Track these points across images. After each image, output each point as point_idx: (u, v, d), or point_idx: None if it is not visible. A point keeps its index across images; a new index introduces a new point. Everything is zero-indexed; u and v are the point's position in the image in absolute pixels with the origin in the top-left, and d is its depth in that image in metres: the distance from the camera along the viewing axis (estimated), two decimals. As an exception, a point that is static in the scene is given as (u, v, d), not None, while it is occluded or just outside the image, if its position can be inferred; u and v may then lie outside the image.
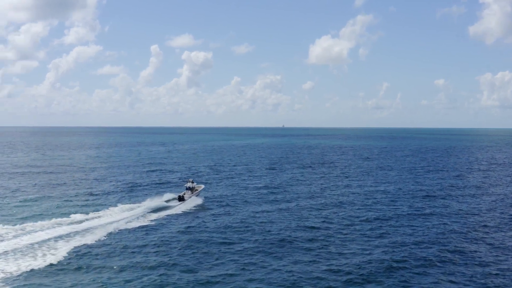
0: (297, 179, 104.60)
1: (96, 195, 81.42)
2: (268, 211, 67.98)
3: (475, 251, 48.38)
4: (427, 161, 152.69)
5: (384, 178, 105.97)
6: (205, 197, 78.15)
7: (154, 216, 63.76)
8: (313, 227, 57.96)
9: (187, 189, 76.70)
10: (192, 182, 78.87)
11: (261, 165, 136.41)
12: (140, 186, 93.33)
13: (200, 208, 70.40)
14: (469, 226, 59.06)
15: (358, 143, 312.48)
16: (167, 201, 72.44)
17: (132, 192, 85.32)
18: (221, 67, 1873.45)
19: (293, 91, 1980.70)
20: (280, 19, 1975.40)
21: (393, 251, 47.55)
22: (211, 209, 69.99)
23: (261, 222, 60.60)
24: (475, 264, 44.26)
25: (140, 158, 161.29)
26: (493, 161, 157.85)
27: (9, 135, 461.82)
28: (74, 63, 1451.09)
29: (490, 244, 51.32)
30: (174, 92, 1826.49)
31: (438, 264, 44.17)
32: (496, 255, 46.96)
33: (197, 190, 78.20)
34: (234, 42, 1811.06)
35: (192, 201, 73.17)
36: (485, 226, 59.61)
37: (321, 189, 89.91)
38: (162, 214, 65.14)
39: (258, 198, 79.65)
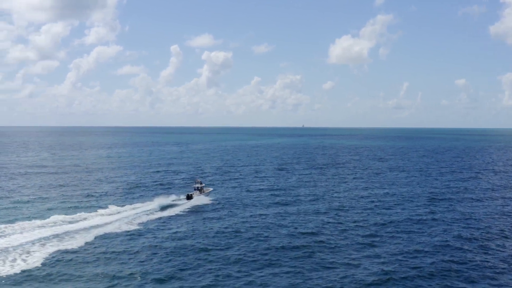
0: (303, 181, 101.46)
1: (92, 196, 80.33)
2: (264, 215, 65.37)
3: (478, 261, 44.65)
4: (441, 162, 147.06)
5: (393, 180, 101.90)
6: (211, 198, 77.98)
7: (147, 218, 62.78)
8: (305, 234, 54.70)
9: (195, 189, 79.83)
10: (201, 183, 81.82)
11: (271, 166, 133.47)
12: (145, 186, 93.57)
13: (201, 209, 69.67)
14: (474, 233, 55.03)
15: (374, 143, 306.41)
16: (175, 200, 74.77)
17: (134, 192, 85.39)
18: (240, 67, 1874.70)
19: (313, 91, 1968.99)
20: (300, 18, 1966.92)
21: (386, 263, 44.14)
22: (208, 211, 68.64)
23: (252, 227, 58.03)
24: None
25: (150, 158, 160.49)
26: (509, 162, 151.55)
27: (26, 135, 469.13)
28: (95, 63, 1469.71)
29: (491, 254, 47.54)
30: (194, 92, 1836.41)
31: (438, 276, 40.72)
32: (498, 266, 43.28)
33: (205, 191, 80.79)
34: (253, 41, 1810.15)
35: (199, 200, 75.01)
36: (489, 232, 55.68)
37: (325, 192, 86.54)
38: (158, 215, 64.73)
39: (259, 201, 77.44)
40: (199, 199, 75.72)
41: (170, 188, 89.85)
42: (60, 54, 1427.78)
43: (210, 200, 76.79)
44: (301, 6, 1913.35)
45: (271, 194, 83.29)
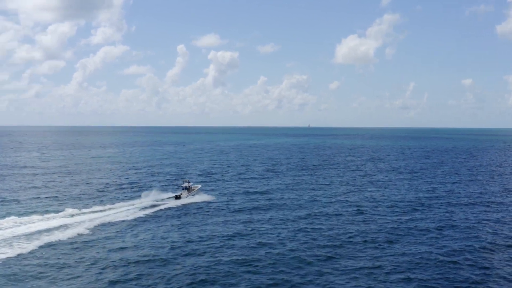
0: (290, 184, 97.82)
1: (74, 196, 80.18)
2: (240, 222, 61.91)
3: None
4: (439, 164, 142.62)
5: (383, 183, 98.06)
6: (199, 200, 77.68)
7: (133, 217, 63.37)
8: (274, 245, 50.72)
9: (183, 188, 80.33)
10: (188, 182, 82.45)
11: (259, 167, 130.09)
12: (134, 185, 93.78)
13: (183, 211, 68.89)
14: (462, 242, 51.63)
15: (375, 143, 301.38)
16: (163, 199, 75.64)
17: (123, 191, 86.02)
18: (247, 66, 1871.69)
19: (319, 91, 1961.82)
20: (306, 18, 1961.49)
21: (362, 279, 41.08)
22: (185, 215, 66.71)
23: (223, 236, 54.24)
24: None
25: (145, 157, 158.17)
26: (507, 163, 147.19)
27: (28, 134, 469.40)
28: (102, 63, 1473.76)
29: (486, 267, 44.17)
30: (201, 92, 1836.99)
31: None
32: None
33: (193, 189, 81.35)
34: (259, 41, 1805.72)
35: (187, 200, 75.88)
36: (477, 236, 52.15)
37: (310, 196, 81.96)
38: (145, 214, 65.50)
39: (242, 204, 74.11)
40: (187, 199, 76.48)
41: (160, 188, 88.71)
42: (67, 54, 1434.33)
43: (198, 200, 77.04)
44: (307, 5, 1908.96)
45: (255, 198, 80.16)
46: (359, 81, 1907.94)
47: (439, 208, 71.11)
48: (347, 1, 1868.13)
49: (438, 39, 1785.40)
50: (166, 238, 53.41)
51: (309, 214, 66.15)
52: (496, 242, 52.05)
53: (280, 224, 60.68)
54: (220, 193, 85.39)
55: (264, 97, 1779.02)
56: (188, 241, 51.96)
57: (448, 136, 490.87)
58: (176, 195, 77.17)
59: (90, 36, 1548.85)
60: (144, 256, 46.21)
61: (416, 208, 70.92)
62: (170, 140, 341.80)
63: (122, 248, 48.72)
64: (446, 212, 68.12)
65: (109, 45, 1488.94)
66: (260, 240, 52.36)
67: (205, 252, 47.93)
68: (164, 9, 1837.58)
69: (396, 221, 61.83)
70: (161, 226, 59.41)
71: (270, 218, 64.04)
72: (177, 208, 70.92)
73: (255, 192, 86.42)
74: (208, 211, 68.90)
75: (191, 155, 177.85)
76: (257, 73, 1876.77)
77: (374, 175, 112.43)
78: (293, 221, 62.08)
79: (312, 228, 57.70)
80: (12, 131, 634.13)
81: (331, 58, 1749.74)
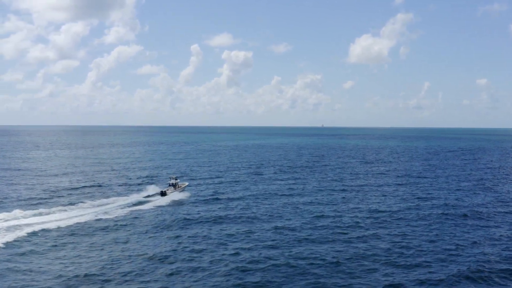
0: (271, 186, 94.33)
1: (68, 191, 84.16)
2: (216, 220, 62.19)
3: None
4: (440, 164, 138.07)
5: (354, 190, 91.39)
6: (186, 196, 79.54)
7: (116, 213, 64.62)
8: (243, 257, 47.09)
9: (170, 185, 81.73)
10: (176, 179, 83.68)
11: (244, 168, 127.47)
12: (120, 182, 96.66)
13: (166, 209, 69.26)
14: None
15: (380, 143, 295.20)
16: (148, 196, 77.27)
17: (107, 189, 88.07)
18: (260, 66, 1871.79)
19: (333, 90, 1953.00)
20: (319, 17, 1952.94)
21: None
22: (167, 212, 67.43)
23: (191, 244, 51.62)
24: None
25: (139, 157, 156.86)
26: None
27: (37, 134, 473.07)
28: (115, 63, 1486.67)
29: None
30: (214, 92, 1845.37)
31: None
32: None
33: (180, 186, 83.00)
34: (272, 41, 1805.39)
35: (173, 197, 77.16)
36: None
37: (283, 204, 74.88)
38: (129, 210, 67.02)
39: (222, 208, 70.95)
40: (172, 196, 77.70)
41: (147, 184, 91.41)
42: (80, 53, 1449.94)
43: (184, 196, 78.58)
44: (319, 5, 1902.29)
45: (236, 201, 76.59)
46: (373, 81, 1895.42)
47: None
48: (360, 0, 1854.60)
49: (451, 38, 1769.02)
50: (146, 234, 54.73)
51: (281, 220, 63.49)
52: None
53: (260, 225, 59.90)
54: (207, 191, 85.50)
55: (277, 96, 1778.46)
56: (168, 237, 53.34)
57: (461, 136, 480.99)
58: (162, 191, 78.18)
59: (103, 35, 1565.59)
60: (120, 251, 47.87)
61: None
62: (181, 139, 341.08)
63: (100, 244, 50.31)
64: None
65: (123, 44, 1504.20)
66: (235, 243, 51.80)
67: (180, 249, 48.76)
68: (176, 9, 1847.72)
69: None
70: (144, 222, 60.65)
71: (250, 217, 64.51)
72: (161, 204, 72.41)
73: (241, 192, 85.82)
74: (190, 208, 69.84)
75: (194, 154, 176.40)
76: (271, 72, 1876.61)
77: (359, 179, 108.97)
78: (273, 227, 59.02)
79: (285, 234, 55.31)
80: (21, 130, 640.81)
81: (345, 57, 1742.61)
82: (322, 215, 66.06)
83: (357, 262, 45.34)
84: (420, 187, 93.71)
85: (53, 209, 66.12)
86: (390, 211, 69.03)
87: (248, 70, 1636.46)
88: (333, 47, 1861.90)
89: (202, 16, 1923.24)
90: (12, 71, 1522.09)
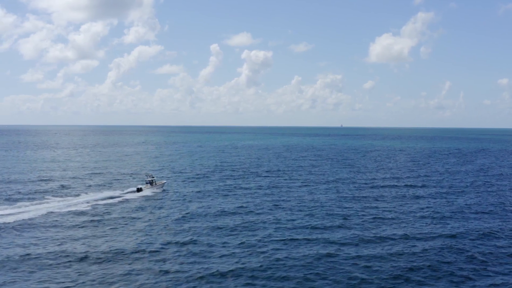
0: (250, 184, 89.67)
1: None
2: (186, 217, 60.25)
3: None
4: (443, 170, 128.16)
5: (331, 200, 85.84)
6: (162, 193, 79.84)
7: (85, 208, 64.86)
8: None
9: (146, 182, 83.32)
10: (152, 177, 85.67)
11: (237, 170, 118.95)
12: (99, 179, 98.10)
13: (135, 203, 69.71)
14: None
15: (385, 143, 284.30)
16: (126, 192, 78.39)
17: (83, 184, 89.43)
18: (280, 66, 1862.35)
19: (354, 90, 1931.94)
20: (338, 16, 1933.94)
21: None
22: (140, 207, 67.29)
23: (155, 238, 49.87)
24: None
25: (134, 156, 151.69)
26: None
27: (48, 134, 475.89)
28: (136, 62, 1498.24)
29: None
30: (234, 91, 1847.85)
31: None
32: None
33: (157, 184, 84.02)
34: (292, 40, 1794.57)
35: (147, 193, 78.10)
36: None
37: (248, 210, 67.32)
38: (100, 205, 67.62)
39: (196, 204, 69.63)
40: (148, 192, 78.71)
41: (128, 182, 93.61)
42: (99, 53, 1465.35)
43: (159, 193, 79.39)
44: (339, 4, 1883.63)
45: (215, 204, 70.08)
46: (393, 81, 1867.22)
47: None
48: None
49: (473, 37, 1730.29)
50: (116, 229, 54.12)
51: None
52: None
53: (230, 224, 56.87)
54: (186, 189, 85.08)
55: (298, 96, 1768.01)
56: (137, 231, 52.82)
57: (477, 137, 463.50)
58: (138, 188, 79.44)
59: (122, 35, 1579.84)
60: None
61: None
62: (186, 139, 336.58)
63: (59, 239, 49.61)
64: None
65: (143, 44, 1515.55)
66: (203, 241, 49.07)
67: (150, 244, 47.80)
68: (193, 8, 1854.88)
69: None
70: (114, 217, 60.59)
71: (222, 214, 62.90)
72: (132, 198, 73.83)
73: (225, 191, 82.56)
74: (161, 203, 70.21)
75: (194, 154, 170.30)
76: (291, 72, 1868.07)
77: (326, 183, 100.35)
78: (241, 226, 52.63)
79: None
80: (40, 130, 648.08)
81: (365, 57, 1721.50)
82: (294, 219, 58.22)
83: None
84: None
85: (19, 203, 67.30)
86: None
87: (268, 69, 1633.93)
88: (353, 46, 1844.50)
89: (221, 16, 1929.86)
90: (32, 71, 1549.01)
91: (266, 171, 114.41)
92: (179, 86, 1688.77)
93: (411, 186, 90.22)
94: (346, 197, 76.31)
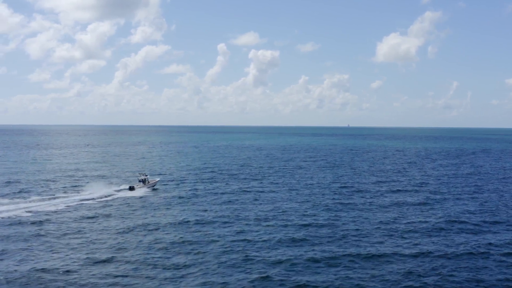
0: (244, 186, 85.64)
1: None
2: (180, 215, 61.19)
3: None
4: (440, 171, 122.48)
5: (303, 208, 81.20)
6: (154, 192, 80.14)
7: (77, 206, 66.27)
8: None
9: (139, 181, 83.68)
10: (145, 175, 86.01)
11: (233, 169, 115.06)
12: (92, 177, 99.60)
13: (127, 202, 70.61)
14: None
15: (387, 143, 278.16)
16: (118, 191, 79.04)
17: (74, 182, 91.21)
18: (287, 65, 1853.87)
19: (361, 90, 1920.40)
20: (345, 16, 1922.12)
21: None
22: (131, 205, 68.30)
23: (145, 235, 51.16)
24: None
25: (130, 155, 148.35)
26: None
27: (49, 133, 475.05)
28: (143, 62, 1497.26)
29: None
30: (241, 91, 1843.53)
31: None
32: None
33: (149, 182, 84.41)
34: (298, 40, 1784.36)
35: (140, 191, 78.76)
36: None
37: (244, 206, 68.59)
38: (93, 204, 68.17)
39: (192, 199, 73.37)
40: (140, 190, 79.33)
41: (121, 180, 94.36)
42: (107, 53, 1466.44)
43: (152, 191, 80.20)
44: (346, 3, 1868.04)
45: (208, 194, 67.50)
46: (400, 80, 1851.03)
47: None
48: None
49: (480, 37, 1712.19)
50: (109, 226, 54.90)
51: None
52: None
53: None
54: (180, 188, 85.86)
55: (305, 96, 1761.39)
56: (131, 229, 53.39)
57: (482, 137, 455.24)
58: (130, 187, 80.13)
59: (129, 35, 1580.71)
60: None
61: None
62: (190, 139, 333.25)
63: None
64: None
65: (150, 44, 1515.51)
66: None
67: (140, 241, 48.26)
68: (200, 8, 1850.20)
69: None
70: (105, 214, 61.29)
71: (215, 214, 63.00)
72: (125, 196, 74.51)
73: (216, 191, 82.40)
74: (153, 203, 70.03)
75: (195, 153, 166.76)
76: (298, 72, 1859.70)
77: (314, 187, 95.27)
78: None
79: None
80: (45, 130, 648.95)
81: (372, 56, 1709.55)
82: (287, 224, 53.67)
83: None
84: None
85: (16, 199, 69.52)
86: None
87: (275, 69, 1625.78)
88: (360, 46, 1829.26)
89: (227, 15, 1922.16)
90: (39, 71, 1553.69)
91: (245, 173, 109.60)
92: (186, 86, 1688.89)
93: (394, 191, 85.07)
94: (318, 204, 71.19)
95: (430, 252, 45.54)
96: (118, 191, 79.42)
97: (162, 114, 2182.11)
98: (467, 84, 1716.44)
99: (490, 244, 48.82)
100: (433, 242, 49.27)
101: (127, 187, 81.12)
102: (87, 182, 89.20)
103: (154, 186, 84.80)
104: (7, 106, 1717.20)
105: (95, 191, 77.29)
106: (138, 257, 43.14)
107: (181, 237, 49.79)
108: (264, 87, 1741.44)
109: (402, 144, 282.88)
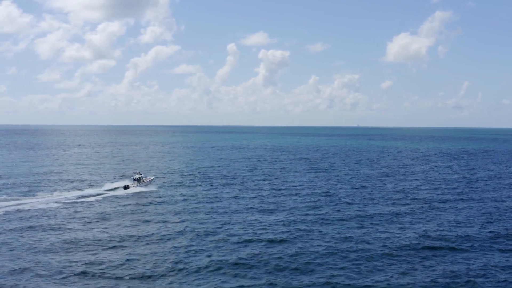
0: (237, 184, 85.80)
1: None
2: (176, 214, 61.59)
3: None
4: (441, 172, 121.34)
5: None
6: (149, 191, 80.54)
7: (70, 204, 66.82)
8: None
9: (134, 180, 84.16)
10: (140, 174, 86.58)
11: (228, 170, 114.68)
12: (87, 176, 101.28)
13: (120, 200, 71.54)
14: None
15: (388, 143, 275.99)
16: (113, 189, 79.77)
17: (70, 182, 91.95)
18: (297, 65, 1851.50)
19: (371, 90, 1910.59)
20: (355, 16, 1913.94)
21: None
22: (127, 204, 68.70)
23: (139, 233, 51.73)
24: None
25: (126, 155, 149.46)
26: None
27: (51, 134, 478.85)
28: (153, 62, 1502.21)
29: None
30: (251, 91, 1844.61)
31: None
32: None
33: (144, 181, 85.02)
34: (308, 40, 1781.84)
35: (135, 190, 79.48)
36: None
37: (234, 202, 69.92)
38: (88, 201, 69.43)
39: (188, 198, 73.68)
40: (135, 189, 79.99)
41: (117, 179, 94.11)
42: (116, 53, 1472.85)
43: (147, 189, 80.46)
44: (356, 3, 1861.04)
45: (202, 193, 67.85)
46: (411, 80, 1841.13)
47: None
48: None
49: (490, 37, 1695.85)
50: (102, 224, 55.55)
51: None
52: None
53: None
54: (176, 186, 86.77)
55: (315, 96, 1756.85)
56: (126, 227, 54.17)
57: (494, 138, 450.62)
58: (125, 185, 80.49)
59: (139, 35, 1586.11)
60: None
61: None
62: (195, 139, 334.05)
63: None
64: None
65: (160, 44, 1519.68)
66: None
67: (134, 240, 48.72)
68: (209, 8, 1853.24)
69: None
70: (99, 213, 61.89)
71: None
72: (118, 194, 75.49)
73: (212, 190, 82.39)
74: (146, 201, 70.71)
75: (196, 153, 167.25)
76: (307, 72, 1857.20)
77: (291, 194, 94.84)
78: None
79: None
80: (55, 129, 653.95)
81: (382, 56, 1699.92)
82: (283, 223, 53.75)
83: None
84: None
85: (8, 197, 70.58)
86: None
87: (284, 69, 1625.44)
88: (371, 46, 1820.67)
89: (237, 15, 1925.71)
90: (49, 71, 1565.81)
91: (242, 174, 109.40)
92: (196, 86, 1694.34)
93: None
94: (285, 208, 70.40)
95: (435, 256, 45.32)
96: (113, 189, 79.83)
97: (172, 114, 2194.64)
98: (477, 84, 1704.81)
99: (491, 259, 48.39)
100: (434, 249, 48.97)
101: (122, 186, 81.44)
102: (82, 181, 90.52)
103: (149, 184, 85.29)
104: (17, 107, 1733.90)
105: (90, 190, 78.02)
106: (130, 256, 43.44)
107: (174, 235, 50.21)
108: (274, 87, 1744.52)
109: (415, 145, 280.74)
